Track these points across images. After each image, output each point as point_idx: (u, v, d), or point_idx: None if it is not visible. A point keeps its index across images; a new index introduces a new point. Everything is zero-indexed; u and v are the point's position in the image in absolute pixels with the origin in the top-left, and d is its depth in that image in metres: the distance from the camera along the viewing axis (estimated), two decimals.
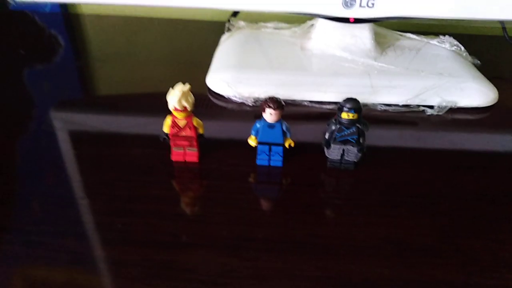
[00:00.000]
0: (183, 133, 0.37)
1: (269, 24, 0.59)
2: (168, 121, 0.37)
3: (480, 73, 0.51)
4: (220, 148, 0.40)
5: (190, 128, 0.37)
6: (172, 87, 0.35)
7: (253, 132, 0.37)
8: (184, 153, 0.38)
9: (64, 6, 0.74)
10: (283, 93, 0.45)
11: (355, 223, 0.33)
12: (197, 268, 0.29)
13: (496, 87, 0.49)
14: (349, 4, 0.47)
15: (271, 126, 0.36)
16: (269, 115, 0.35)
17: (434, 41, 0.56)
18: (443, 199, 0.36)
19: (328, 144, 0.37)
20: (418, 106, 0.47)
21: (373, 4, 0.46)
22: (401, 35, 0.57)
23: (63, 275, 0.29)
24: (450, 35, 0.56)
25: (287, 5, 0.47)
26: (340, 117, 0.36)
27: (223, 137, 0.43)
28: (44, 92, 0.50)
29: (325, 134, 0.37)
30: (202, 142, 0.38)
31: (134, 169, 0.38)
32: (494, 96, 0.48)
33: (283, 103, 0.36)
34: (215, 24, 0.69)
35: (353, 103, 0.35)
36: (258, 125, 0.37)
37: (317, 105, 0.47)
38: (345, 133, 0.36)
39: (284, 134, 0.37)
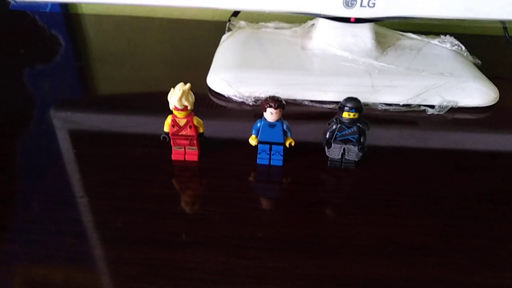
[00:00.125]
0: (184, 132, 0.37)
1: (270, 24, 0.59)
2: (168, 120, 0.37)
3: (481, 73, 0.51)
4: (220, 147, 0.40)
5: (190, 127, 0.37)
6: (173, 86, 0.35)
7: (253, 131, 0.37)
8: (185, 152, 0.38)
9: (64, 5, 0.74)
10: (284, 93, 0.45)
11: (356, 222, 0.33)
12: (197, 267, 0.29)
13: (497, 87, 0.49)
14: (350, 4, 0.47)
15: (271, 125, 0.36)
16: (270, 114, 0.35)
17: (435, 41, 0.56)
18: (444, 198, 0.36)
19: (329, 143, 0.37)
20: (419, 105, 0.47)
21: (374, 4, 0.46)
22: (402, 34, 0.57)
23: (63, 273, 0.28)
24: (451, 34, 0.56)
25: (288, 4, 0.47)
26: (341, 117, 0.36)
27: (224, 136, 0.43)
28: (44, 91, 0.50)
29: (325, 133, 0.37)
30: (203, 141, 0.38)
31: (134, 168, 0.38)
32: (495, 96, 0.48)
33: (284, 102, 0.36)
34: (215, 24, 0.69)
35: (354, 103, 0.35)
36: (258, 124, 0.37)
37: (317, 105, 0.47)
38: (346, 132, 0.36)
39: (284, 133, 0.37)
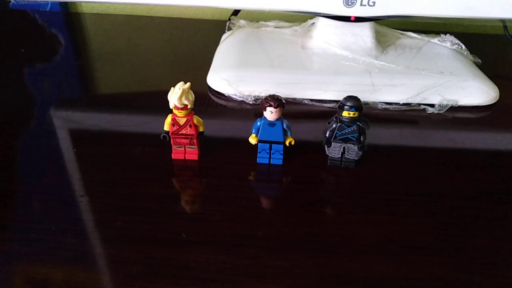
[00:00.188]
0: (184, 131, 0.37)
1: (270, 23, 0.59)
2: (168, 119, 0.37)
3: (481, 72, 0.51)
4: (220, 146, 0.40)
5: (190, 126, 0.37)
6: (173, 85, 0.35)
7: (253, 130, 0.37)
8: (185, 152, 0.38)
9: (64, 4, 0.74)
10: (284, 92, 0.45)
11: (356, 221, 0.33)
12: (197, 266, 0.29)
13: (497, 86, 0.49)
14: (350, 3, 0.47)
15: (271, 124, 0.36)
16: (270, 113, 0.35)
17: (435, 40, 0.56)
18: (444, 197, 0.36)
19: (328, 142, 0.37)
20: (419, 104, 0.47)
21: (374, 2, 0.46)
22: (402, 33, 0.57)
23: (64, 272, 0.29)
24: (451, 33, 0.56)
25: (288, 3, 0.47)
26: (341, 115, 0.36)
27: (224, 135, 0.43)
28: (45, 90, 0.50)
29: (325, 132, 0.37)
30: (203, 140, 0.38)
31: (135, 167, 0.38)
32: (495, 95, 0.48)
33: (284, 101, 0.36)
34: (215, 23, 0.69)
35: (354, 101, 0.35)
36: (258, 123, 0.37)
37: (317, 104, 0.47)
38: (346, 131, 0.36)
39: (284, 132, 0.37)
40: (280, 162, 0.38)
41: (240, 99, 0.47)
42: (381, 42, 0.54)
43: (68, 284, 0.28)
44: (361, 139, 0.36)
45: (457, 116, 0.46)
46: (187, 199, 0.35)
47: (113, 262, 0.29)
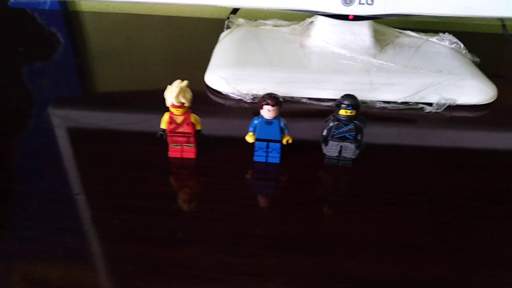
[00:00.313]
0: (181, 130, 0.37)
1: (269, 22, 0.59)
2: (165, 117, 0.37)
3: (479, 71, 0.51)
4: (217, 144, 0.40)
5: (187, 124, 0.37)
6: (171, 84, 0.35)
7: (250, 128, 0.37)
8: (182, 150, 0.38)
9: (63, 3, 0.74)
10: (282, 90, 0.45)
11: (353, 220, 0.33)
12: (193, 264, 0.29)
13: (496, 85, 0.49)
14: (348, 1, 0.47)
15: (269, 122, 0.36)
16: (267, 111, 0.35)
17: (434, 39, 0.55)
18: (441, 196, 0.36)
19: (326, 140, 0.37)
20: (417, 103, 0.47)
21: (372, 1, 0.46)
22: (400, 32, 0.56)
23: (60, 270, 0.28)
24: (449, 32, 0.56)
25: (286, 2, 0.47)
26: (338, 114, 0.36)
27: (221, 134, 0.43)
28: (43, 89, 0.50)
29: (323, 130, 0.37)
30: (200, 138, 0.38)
31: (132, 165, 0.38)
32: (493, 94, 0.48)
33: (281, 99, 0.36)
34: (214, 21, 0.69)
35: (351, 100, 0.35)
36: (255, 121, 0.37)
37: (315, 102, 0.47)
38: (343, 129, 0.36)
39: (282, 131, 0.37)
40: (277, 160, 0.38)
41: (238, 97, 0.47)
42: (380, 41, 0.53)
43: (65, 282, 0.28)
44: (358, 138, 0.36)
45: (455, 115, 0.46)
46: (184, 197, 0.35)
47: (109, 261, 0.29)
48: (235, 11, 0.62)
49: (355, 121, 0.36)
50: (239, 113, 0.46)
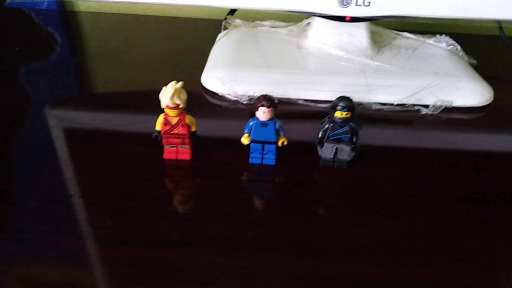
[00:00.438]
0: (176, 131, 0.37)
1: (266, 23, 0.59)
2: (160, 118, 0.36)
3: (476, 73, 0.50)
4: (213, 146, 0.40)
5: (182, 126, 0.36)
6: (166, 85, 0.35)
7: (246, 130, 0.37)
8: (177, 151, 0.38)
9: (60, 3, 0.74)
10: (278, 92, 0.45)
11: (347, 222, 0.33)
12: (187, 266, 0.29)
13: (492, 87, 0.49)
14: (345, 3, 0.47)
15: (264, 124, 0.36)
16: (262, 113, 0.35)
17: (431, 40, 0.55)
18: (437, 199, 0.36)
19: (321, 142, 0.37)
20: (413, 105, 0.47)
21: (369, 2, 0.46)
22: (397, 34, 0.56)
23: (55, 272, 0.28)
24: (446, 34, 0.56)
25: (284, 3, 0.47)
26: (334, 116, 0.36)
27: (216, 135, 0.43)
28: (40, 89, 0.50)
29: (318, 132, 0.37)
30: (195, 139, 0.38)
31: (127, 167, 0.38)
32: (489, 96, 0.48)
33: (276, 101, 0.36)
34: (211, 22, 0.69)
35: (346, 102, 0.35)
36: (251, 123, 0.37)
37: (312, 104, 0.47)
38: (338, 131, 0.36)
39: (277, 133, 0.37)
40: (272, 162, 0.38)
41: (234, 99, 0.47)
42: (377, 42, 0.53)
43: (59, 283, 0.28)
44: (354, 140, 0.36)
45: (452, 117, 0.46)
46: (178, 199, 0.35)
47: (104, 262, 0.29)
48: (232, 12, 0.62)
49: (351, 123, 0.36)
50: (235, 115, 0.46)
